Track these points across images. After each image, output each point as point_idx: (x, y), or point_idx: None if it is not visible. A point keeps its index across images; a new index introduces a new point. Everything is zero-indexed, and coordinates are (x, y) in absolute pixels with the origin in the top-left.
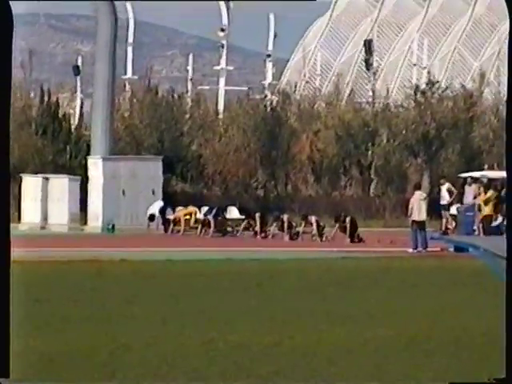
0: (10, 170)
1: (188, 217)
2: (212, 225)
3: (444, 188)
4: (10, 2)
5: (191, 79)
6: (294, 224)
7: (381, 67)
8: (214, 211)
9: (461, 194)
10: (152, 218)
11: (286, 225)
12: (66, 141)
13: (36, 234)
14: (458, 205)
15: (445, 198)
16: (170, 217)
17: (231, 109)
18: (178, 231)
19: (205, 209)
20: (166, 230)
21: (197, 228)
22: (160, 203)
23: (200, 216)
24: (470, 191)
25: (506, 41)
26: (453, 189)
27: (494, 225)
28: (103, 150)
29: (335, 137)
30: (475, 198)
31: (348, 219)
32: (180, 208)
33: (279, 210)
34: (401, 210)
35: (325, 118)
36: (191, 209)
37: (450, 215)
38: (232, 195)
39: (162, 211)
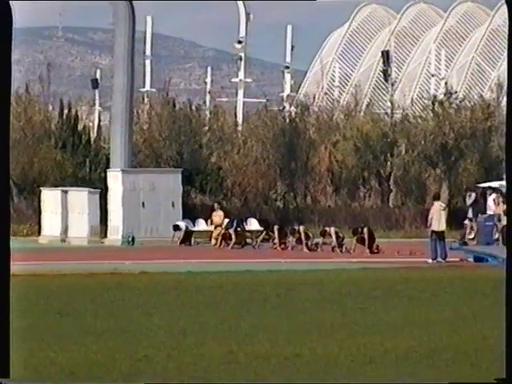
0: (30, 184)
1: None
2: (233, 238)
3: (490, 198)
4: (10, 2)
5: (209, 91)
6: (310, 235)
7: (399, 78)
8: (234, 224)
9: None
10: (176, 227)
11: (302, 236)
12: (86, 154)
13: (56, 247)
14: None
15: (491, 207)
16: (194, 229)
17: (250, 121)
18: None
19: (225, 221)
20: (183, 242)
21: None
22: (187, 222)
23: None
24: (491, 201)
25: None
26: (499, 199)
27: None
28: (122, 162)
29: (354, 148)
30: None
31: (365, 230)
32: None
33: (298, 222)
34: (420, 221)
35: (343, 130)
36: (220, 213)
37: (469, 219)
38: (251, 207)
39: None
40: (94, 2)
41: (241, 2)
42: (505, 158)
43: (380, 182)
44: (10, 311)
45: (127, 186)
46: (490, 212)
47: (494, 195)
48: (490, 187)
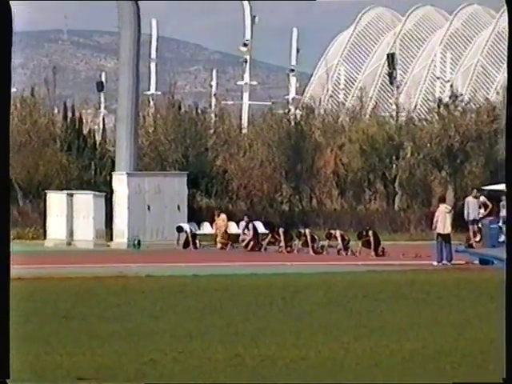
0: (36, 187)
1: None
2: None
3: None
4: (11, 2)
5: (215, 94)
6: (316, 238)
7: (404, 81)
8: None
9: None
10: (180, 229)
11: (308, 238)
12: (91, 157)
13: (62, 250)
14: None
15: (479, 211)
16: (199, 232)
17: (255, 123)
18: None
19: (229, 224)
20: (186, 246)
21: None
22: (192, 225)
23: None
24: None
25: None
26: (488, 202)
27: None
28: (128, 165)
29: (359, 151)
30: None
31: (371, 233)
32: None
33: (304, 224)
34: (426, 223)
35: (349, 132)
36: (223, 216)
37: (471, 221)
38: (257, 210)
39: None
40: (100, 4)
41: (246, 3)
42: (505, 162)
43: (385, 185)
44: (9, 311)
45: (132, 189)
46: (479, 215)
47: (481, 198)
48: (478, 189)
